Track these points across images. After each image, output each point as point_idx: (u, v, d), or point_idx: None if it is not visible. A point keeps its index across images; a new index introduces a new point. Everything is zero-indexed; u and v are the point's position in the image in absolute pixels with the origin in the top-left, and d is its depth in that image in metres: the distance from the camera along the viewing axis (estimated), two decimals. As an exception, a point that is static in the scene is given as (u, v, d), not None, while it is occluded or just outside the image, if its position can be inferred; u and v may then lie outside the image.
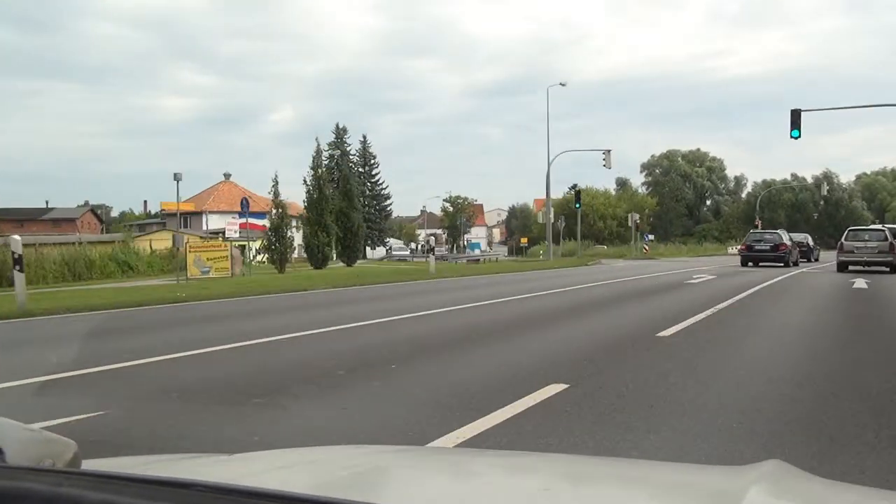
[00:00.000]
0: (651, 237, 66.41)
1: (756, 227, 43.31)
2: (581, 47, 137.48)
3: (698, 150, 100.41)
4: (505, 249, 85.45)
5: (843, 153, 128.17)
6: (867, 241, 22.71)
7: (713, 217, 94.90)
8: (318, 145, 34.57)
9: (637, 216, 53.09)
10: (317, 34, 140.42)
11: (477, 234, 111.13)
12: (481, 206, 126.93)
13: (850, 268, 22.64)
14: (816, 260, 36.12)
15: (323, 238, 31.78)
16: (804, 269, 25.78)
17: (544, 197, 46.01)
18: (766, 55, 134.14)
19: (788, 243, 28.39)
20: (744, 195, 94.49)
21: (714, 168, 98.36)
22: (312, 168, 32.95)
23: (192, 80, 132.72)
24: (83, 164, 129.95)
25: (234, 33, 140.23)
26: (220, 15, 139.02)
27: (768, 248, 27.69)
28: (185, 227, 51.72)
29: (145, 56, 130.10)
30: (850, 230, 24.58)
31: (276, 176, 29.52)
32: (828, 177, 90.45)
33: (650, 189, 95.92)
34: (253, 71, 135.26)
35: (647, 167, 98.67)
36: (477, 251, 75.90)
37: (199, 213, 58.54)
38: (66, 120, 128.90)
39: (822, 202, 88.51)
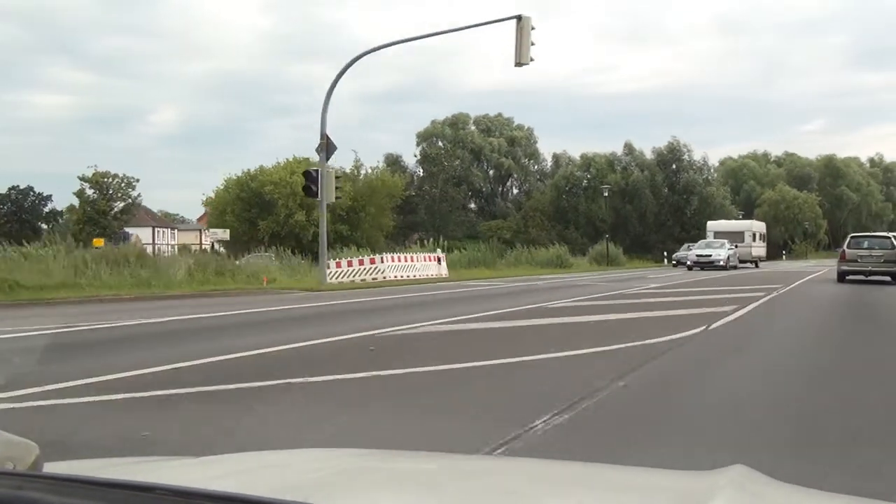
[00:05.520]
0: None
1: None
2: (471, 57, 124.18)
3: (499, 115, 68.99)
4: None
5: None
6: (871, 249, 21.33)
7: (516, 210, 63.56)
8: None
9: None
10: (200, 33, 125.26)
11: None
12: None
13: (849, 277, 21.04)
14: None
15: None
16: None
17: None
18: (651, 72, 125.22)
19: None
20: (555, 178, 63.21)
21: (520, 140, 67.05)
22: None
23: (66, 77, 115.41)
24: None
25: (110, 29, 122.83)
26: (95, 9, 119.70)
27: None
28: None
29: (12, 49, 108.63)
30: (851, 237, 22.90)
31: None
32: (675, 149, 60.63)
33: (424, 169, 63.71)
34: (132, 69, 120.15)
35: (424, 137, 66.32)
36: None
37: None
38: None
39: (665, 188, 58.51)
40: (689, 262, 34.65)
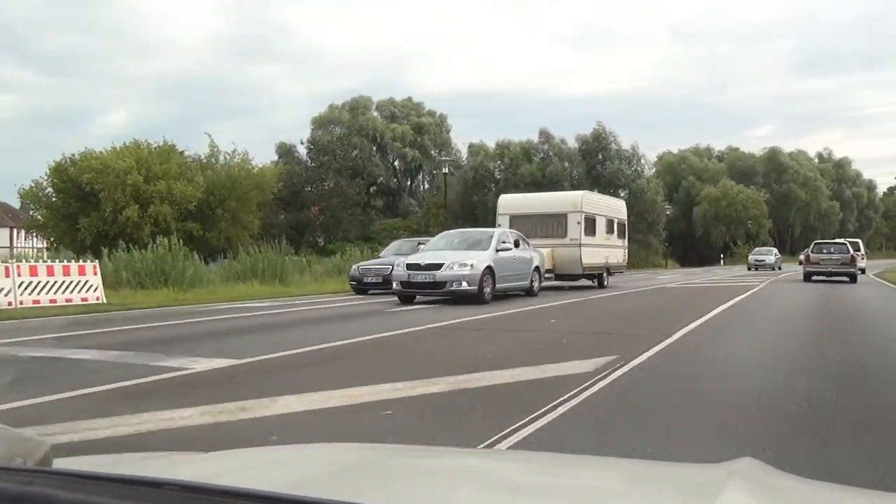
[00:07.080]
0: None
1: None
2: (430, 60, 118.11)
3: (408, 99, 60.55)
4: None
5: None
6: (831, 253, 24.45)
7: (419, 207, 55.19)
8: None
9: None
10: (151, 33, 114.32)
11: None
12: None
13: (814, 278, 23.95)
14: None
15: None
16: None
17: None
18: (600, 78, 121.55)
19: None
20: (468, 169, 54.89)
21: (428, 127, 58.63)
22: None
23: (10, 76, 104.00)
24: None
25: (58, 27, 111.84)
26: (42, 6, 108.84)
27: None
28: None
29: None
30: (815, 244, 26.21)
31: None
32: (601, 137, 52.81)
33: (312, 159, 54.85)
34: (81, 69, 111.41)
35: (321, 123, 57.52)
36: None
37: None
38: None
39: (588, 181, 50.62)
40: (395, 284, 15.09)
